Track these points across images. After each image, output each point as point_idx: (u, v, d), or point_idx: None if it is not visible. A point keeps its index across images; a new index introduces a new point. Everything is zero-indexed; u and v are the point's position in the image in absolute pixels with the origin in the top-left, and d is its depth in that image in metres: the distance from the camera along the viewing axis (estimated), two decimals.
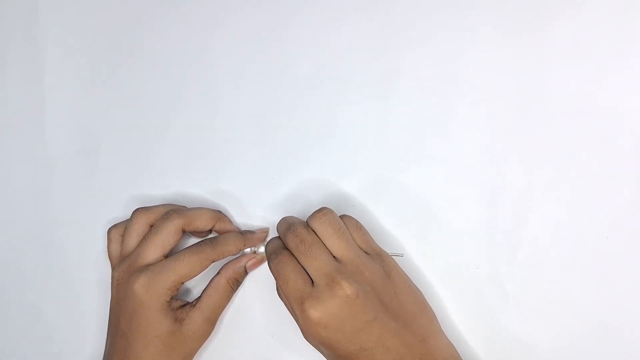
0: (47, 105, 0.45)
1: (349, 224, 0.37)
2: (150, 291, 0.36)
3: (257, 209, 0.42)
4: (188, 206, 0.41)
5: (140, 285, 0.36)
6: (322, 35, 0.43)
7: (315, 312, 0.33)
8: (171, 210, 0.38)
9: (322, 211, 0.36)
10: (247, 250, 0.40)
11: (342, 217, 0.37)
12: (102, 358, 0.38)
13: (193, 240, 0.42)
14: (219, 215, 0.40)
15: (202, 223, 0.39)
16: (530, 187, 0.40)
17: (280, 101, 0.43)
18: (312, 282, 0.34)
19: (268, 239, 0.41)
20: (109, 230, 0.40)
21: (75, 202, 0.44)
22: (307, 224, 0.36)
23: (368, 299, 0.34)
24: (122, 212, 0.43)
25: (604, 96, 0.39)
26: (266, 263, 0.41)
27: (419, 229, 0.40)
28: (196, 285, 0.42)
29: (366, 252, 0.36)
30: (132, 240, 0.38)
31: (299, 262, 0.35)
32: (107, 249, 0.40)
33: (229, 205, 0.42)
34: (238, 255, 0.40)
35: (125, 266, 0.37)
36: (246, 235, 0.40)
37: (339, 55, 0.42)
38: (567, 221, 0.39)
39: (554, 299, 0.39)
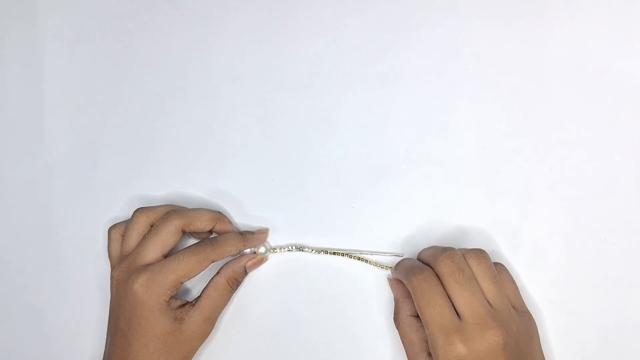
0: (47, 105, 0.45)
1: (503, 275, 0.36)
2: (150, 291, 0.36)
3: (257, 209, 0.42)
4: (188, 206, 0.41)
5: (139, 285, 0.36)
6: (322, 34, 0.43)
7: (462, 348, 0.32)
8: (171, 211, 0.38)
9: (482, 252, 0.35)
10: (247, 250, 0.40)
11: (496, 265, 0.36)
12: (102, 358, 0.38)
13: (193, 240, 0.42)
14: (219, 215, 0.40)
15: (202, 224, 0.39)
16: (530, 188, 0.40)
17: (280, 101, 0.43)
18: (458, 315, 0.33)
19: (267, 239, 0.41)
20: (110, 230, 0.40)
21: (75, 202, 0.44)
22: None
23: (511, 355, 0.32)
24: (122, 212, 0.43)
25: (603, 96, 0.39)
26: (265, 264, 0.41)
27: (419, 229, 0.40)
28: (196, 285, 0.42)
29: (514, 307, 0.35)
30: (133, 239, 0.38)
31: (445, 289, 0.33)
32: (107, 249, 0.40)
33: (228, 206, 0.42)
34: (238, 255, 0.40)
35: (125, 266, 0.37)
36: (246, 236, 0.40)
37: (339, 55, 0.42)
38: (566, 222, 0.39)
39: (553, 299, 0.39)
